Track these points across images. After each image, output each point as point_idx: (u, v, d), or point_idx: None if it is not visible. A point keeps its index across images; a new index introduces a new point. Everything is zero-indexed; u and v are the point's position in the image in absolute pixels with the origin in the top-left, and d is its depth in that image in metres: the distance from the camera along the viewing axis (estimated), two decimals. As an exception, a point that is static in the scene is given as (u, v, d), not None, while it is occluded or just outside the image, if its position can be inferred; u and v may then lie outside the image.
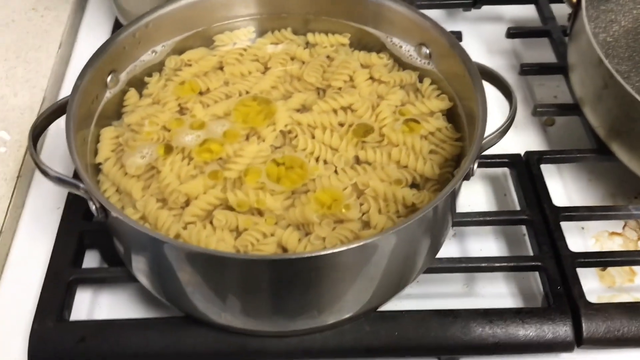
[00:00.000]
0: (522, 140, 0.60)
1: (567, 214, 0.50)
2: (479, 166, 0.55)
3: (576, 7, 0.55)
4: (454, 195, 0.44)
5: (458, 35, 0.64)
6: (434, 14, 0.71)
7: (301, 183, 0.45)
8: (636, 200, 0.56)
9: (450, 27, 0.67)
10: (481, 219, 0.51)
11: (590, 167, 0.58)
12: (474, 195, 0.57)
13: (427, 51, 0.51)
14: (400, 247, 0.40)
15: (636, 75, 0.59)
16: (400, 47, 0.53)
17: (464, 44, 0.66)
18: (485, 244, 0.54)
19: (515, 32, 0.64)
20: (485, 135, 0.44)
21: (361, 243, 0.37)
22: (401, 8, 0.51)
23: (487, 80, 0.48)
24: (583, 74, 0.53)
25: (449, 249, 0.53)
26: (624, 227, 0.55)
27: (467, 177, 0.43)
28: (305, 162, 0.46)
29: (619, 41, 0.62)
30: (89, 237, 0.51)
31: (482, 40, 0.69)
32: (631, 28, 0.63)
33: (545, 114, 0.58)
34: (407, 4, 0.51)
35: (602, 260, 0.48)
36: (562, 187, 0.57)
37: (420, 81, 0.52)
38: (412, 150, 0.47)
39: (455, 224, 0.51)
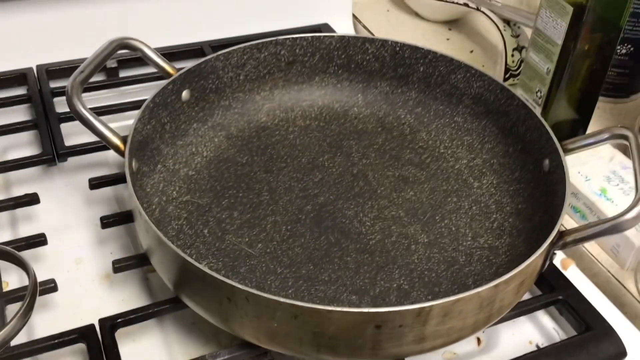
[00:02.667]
0: (121, 299, 0.56)
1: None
2: None
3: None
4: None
5: (34, 197, 0.59)
6: (16, 175, 0.66)
7: None
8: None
9: (31, 187, 0.62)
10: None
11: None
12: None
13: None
14: None
15: (217, 207, 0.58)
16: None
17: (44, 205, 0.61)
18: None
19: (97, 182, 0.61)
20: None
21: None
22: None
23: (6, 260, 0.42)
24: (139, 221, 0.50)
25: None
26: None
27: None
28: None
29: (201, 173, 0.61)
30: None
31: (73, 194, 0.65)
32: (213, 157, 0.63)
33: (124, 269, 0.54)
34: None
35: None
36: (163, 342, 0.53)
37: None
38: None
39: None
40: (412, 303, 0.50)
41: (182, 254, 0.44)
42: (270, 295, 0.41)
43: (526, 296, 0.54)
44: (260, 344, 0.45)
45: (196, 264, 0.44)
